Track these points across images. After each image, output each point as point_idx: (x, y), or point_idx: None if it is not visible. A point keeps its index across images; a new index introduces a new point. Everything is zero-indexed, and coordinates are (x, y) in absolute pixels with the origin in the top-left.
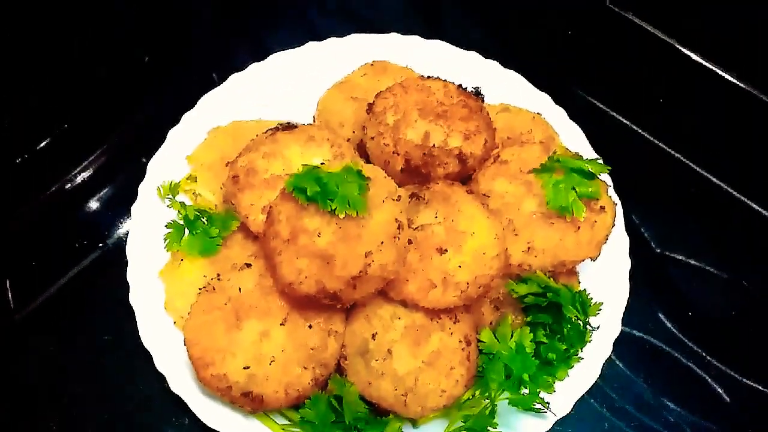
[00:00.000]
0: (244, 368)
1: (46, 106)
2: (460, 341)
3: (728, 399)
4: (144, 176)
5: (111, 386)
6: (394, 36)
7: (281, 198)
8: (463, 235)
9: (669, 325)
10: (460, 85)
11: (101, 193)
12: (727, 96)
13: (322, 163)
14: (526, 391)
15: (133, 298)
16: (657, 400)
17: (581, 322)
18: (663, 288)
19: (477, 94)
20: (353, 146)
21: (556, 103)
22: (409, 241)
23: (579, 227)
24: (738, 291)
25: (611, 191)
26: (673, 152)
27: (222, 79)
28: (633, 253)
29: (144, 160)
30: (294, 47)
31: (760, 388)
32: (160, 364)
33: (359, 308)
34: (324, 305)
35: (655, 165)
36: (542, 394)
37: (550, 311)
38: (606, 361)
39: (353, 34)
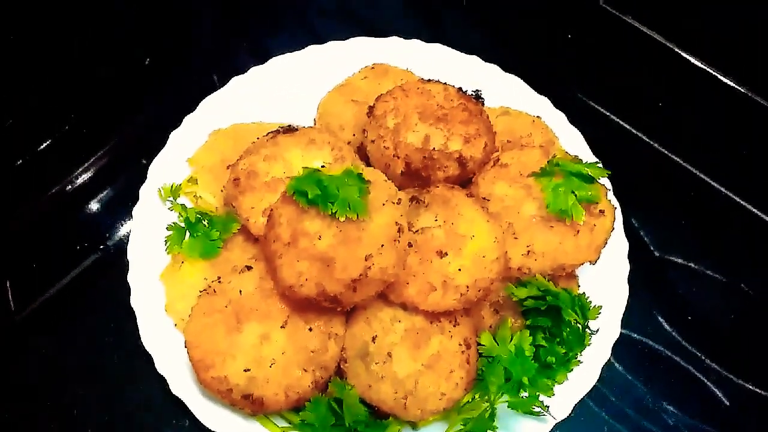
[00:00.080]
0: (245, 371)
1: (46, 107)
2: (459, 344)
3: (727, 402)
4: (144, 178)
5: (111, 388)
6: (394, 39)
7: (282, 201)
8: (463, 239)
9: (668, 328)
10: (460, 89)
11: (102, 195)
12: (726, 100)
13: (322, 166)
14: (526, 394)
15: (134, 300)
16: (656, 404)
17: (580, 326)
18: (662, 291)
19: (477, 97)
20: (354, 149)
21: (556, 107)
22: (409, 244)
23: (578, 231)
24: (737, 295)
25: (610, 195)
26: (672, 156)
27: (222, 80)
28: (632, 256)
29: (144, 161)
30: (295, 50)
31: (759, 391)
32: (161, 366)
33: (359, 311)
34: (324, 308)
35: (654, 169)
36: (541, 398)
37: (550, 315)
38: (605, 364)
39: (354, 38)
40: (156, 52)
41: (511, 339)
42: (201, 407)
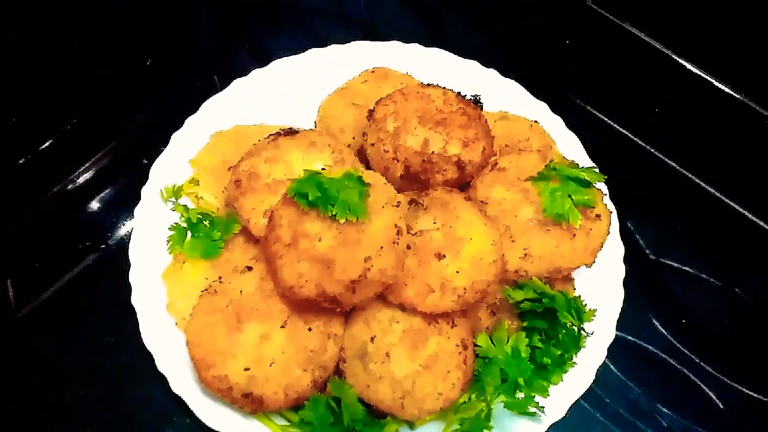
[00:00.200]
0: (245, 370)
1: (48, 107)
2: (457, 345)
3: (721, 405)
4: (146, 178)
5: (112, 386)
6: (395, 43)
7: (283, 202)
8: (461, 241)
9: (663, 331)
10: (459, 93)
11: (103, 194)
12: (722, 106)
13: (323, 169)
14: (522, 395)
15: (135, 299)
16: (650, 405)
17: (576, 328)
18: (657, 295)
19: (476, 102)
20: (354, 152)
21: (554, 112)
22: (408, 247)
23: (575, 234)
24: (731, 298)
25: (607, 199)
26: (668, 161)
27: (223, 81)
28: (628, 260)
29: (146, 161)
30: (295, 51)
31: (752, 394)
32: (162, 365)
33: (358, 312)
34: (324, 309)
35: (650, 173)
36: (537, 398)
37: (546, 317)
38: (600, 366)
39: (355, 41)
40: (157, 52)
41: (508, 340)
42: (201, 406)
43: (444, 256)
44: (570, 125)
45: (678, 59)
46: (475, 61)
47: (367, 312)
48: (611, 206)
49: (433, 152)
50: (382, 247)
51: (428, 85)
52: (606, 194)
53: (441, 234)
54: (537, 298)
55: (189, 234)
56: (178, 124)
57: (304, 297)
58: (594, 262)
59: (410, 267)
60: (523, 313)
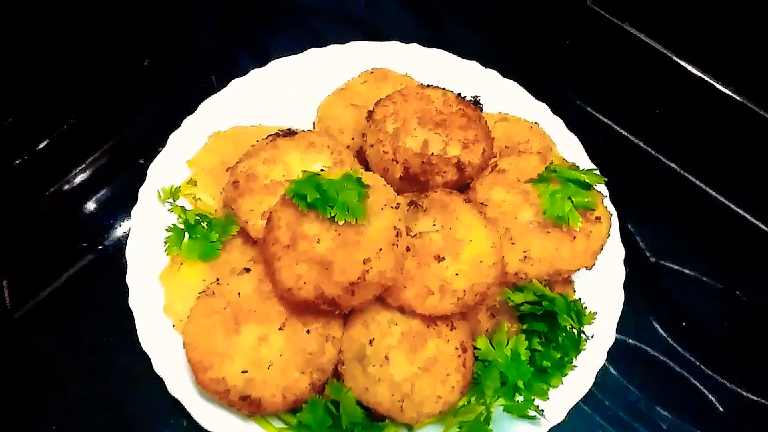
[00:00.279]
0: (243, 372)
1: (45, 107)
2: (456, 348)
3: (721, 408)
4: (143, 178)
5: (109, 388)
6: (394, 44)
7: (281, 204)
8: (461, 243)
9: (663, 334)
10: (459, 94)
11: (100, 195)
12: (722, 107)
13: (322, 170)
14: (521, 398)
15: (133, 301)
16: (650, 409)
17: (576, 331)
18: (657, 297)
19: (476, 103)
20: (353, 153)
21: (554, 113)
22: (408, 249)
23: (575, 237)
24: (732, 301)
25: (607, 201)
26: (668, 163)
27: (221, 81)
28: (628, 262)
29: (142, 161)
30: (295, 53)
31: (752, 397)
32: (159, 367)
33: (357, 314)
34: (322, 311)
35: (651, 175)
36: (537, 402)
37: (546, 320)
38: (600, 369)
39: (354, 42)
40: (155, 52)
41: (507, 343)
42: (198, 408)
43: (443, 258)
44: (570, 126)
45: (678, 61)
46: (475, 62)
47: (365, 314)
48: (611, 208)
49: (432, 154)
50: (381, 249)
51: (428, 86)
52: (606, 196)
53: (440, 236)
54: (537, 300)
55: (187, 235)
56: (176, 125)
57: (302, 299)
58: (594, 264)
59: (409, 269)
60: (522, 316)
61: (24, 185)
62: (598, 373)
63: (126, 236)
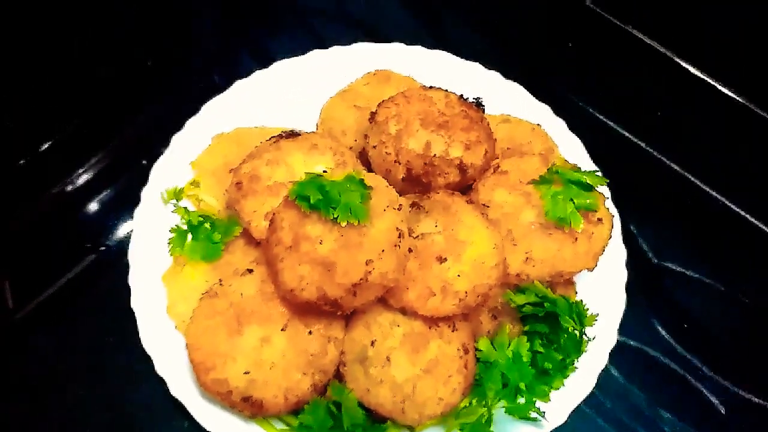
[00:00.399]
0: (245, 373)
1: (48, 108)
2: (458, 349)
3: (723, 410)
4: (146, 179)
5: (111, 389)
6: (397, 45)
7: (284, 205)
8: (463, 245)
9: (665, 335)
10: (461, 96)
11: (103, 196)
12: (725, 109)
13: (324, 171)
14: (523, 399)
15: (135, 302)
16: (652, 411)
17: (578, 332)
18: (659, 299)
19: (478, 104)
20: (355, 155)
21: (556, 115)
22: (410, 250)
23: (577, 238)
24: (734, 302)
25: (609, 203)
26: (670, 164)
27: (223, 81)
28: (630, 264)
29: (145, 162)
30: (298, 54)
31: (754, 399)
32: (161, 368)
33: (359, 315)
34: (324, 312)
35: (653, 177)
36: (538, 403)
37: (547, 321)
38: (602, 371)
39: (357, 43)
40: (157, 53)
41: (509, 345)
42: (200, 409)
43: (445, 259)
44: (572, 128)
45: (680, 62)
46: (478, 63)
47: (367, 315)
48: (613, 210)
49: (435, 155)
50: (383, 251)
51: (430, 87)
52: (608, 198)
53: (442, 237)
54: (538, 302)
55: (190, 236)
56: (178, 126)
57: (304, 300)
58: (596, 266)
59: (411, 270)
60: (524, 317)
61: (27, 186)
62: (599, 374)
63: (128, 237)
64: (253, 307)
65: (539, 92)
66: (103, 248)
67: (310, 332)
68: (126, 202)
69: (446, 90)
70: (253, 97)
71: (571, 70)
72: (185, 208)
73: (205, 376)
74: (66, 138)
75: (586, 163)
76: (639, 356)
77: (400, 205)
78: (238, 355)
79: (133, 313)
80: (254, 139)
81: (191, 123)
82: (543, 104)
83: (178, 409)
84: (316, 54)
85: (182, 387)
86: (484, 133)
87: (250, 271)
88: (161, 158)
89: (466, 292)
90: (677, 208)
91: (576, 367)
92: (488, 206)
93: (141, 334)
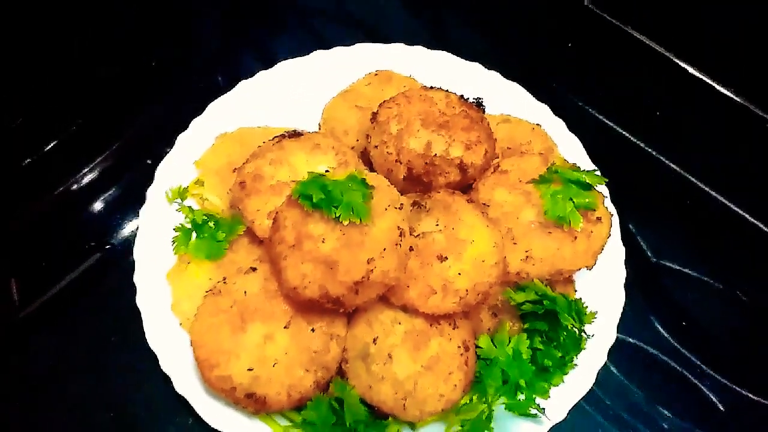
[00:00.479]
0: (248, 370)
1: (53, 108)
2: (458, 347)
3: (722, 407)
4: (150, 178)
5: (116, 385)
6: (398, 46)
7: (287, 204)
8: (463, 243)
9: (664, 333)
10: (461, 96)
11: (108, 195)
12: (723, 108)
13: (327, 171)
14: (522, 396)
15: (140, 300)
16: (651, 408)
17: (577, 330)
18: (658, 297)
19: (478, 104)
20: (357, 154)
21: (556, 114)
22: (411, 249)
23: (576, 237)
24: (732, 301)
25: (608, 202)
26: (669, 163)
27: (226, 81)
28: (629, 262)
29: (149, 161)
30: (300, 55)
31: (753, 396)
32: (166, 365)
33: (361, 313)
34: (327, 309)
35: (651, 176)
36: (538, 400)
37: (547, 319)
38: (601, 368)
39: (359, 44)
40: (162, 53)
41: (509, 342)
42: (204, 406)
43: (446, 258)
44: (571, 128)
45: (679, 62)
46: (478, 64)
47: (369, 313)
48: (612, 209)
49: (435, 155)
50: (385, 249)
51: (431, 87)
52: (607, 197)
53: (443, 236)
54: (538, 300)
55: (194, 235)
56: (182, 125)
57: (307, 298)
58: (595, 264)
59: (412, 269)
60: (524, 315)
61: (33, 185)
62: (598, 372)
63: (133, 236)
64: (256, 304)
65: (539, 92)
66: (108, 247)
67: (312, 330)
68: (131, 202)
69: (447, 90)
70: (256, 97)
71: (570, 71)
72: (190, 207)
73: (210, 373)
74: (71, 138)
75: (586, 163)
76: (638, 354)
77: (402, 204)
78: (242, 352)
79: (136, 311)
80: (257, 139)
81: (195, 123)
82: (542, 104)
83: (182, 405)
84: (318, 54)
85: (187, 384)
86: (485, 132)
87: (254, 269)
88: (166, 158)
89: (466, 290)
90: (676, 207)
91: (575, 365)
92: (488, 205)
93: (146, 332)
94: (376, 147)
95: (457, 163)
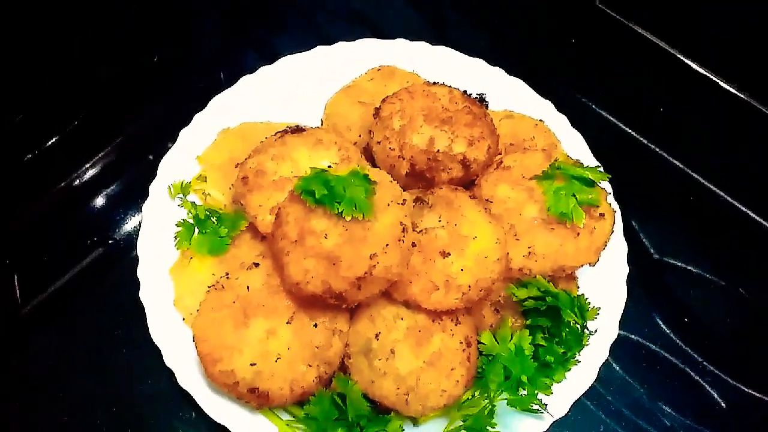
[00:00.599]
0: (251, 365)
1: (54, 103)
2: (460, 342)
3: (723, 404)
4: (153, 174)
5: (119, 380)
6: (401, 41)
7: (290, 200)
8: (466, 239)
9: (666, 330)
10: (464, 92)
11: (110, 190)
12: (727, 105)
13: (329, 166)
14: (525, 392)
15: (143, 295)
16: (653, 404)
17: (579, 326)
18: (660, 294)
19: (481, 100)
20: (360, 150)
21: (559, 111)
22: (413, 244)
23: (579, 233)
24: (734, 298)
25: (611, 198)
26: (672, 160)
27: (228, 78)
28: (631, 259)
29: (151, 157)
30: (301, 49)
31: (755, 394)
32: (169, 360)
33: (363, 308)
34: (329, 305)
35: (654, 172)
36: (540, 396)
37: (549, 315)
38: (603, 364)
39: (362, 39)
40: (164, 48)
41: (511, 338)
42: (208, 400)
43: (449, 253)
44: (574, 124)
45: (683, 59)
46: (481, 60)
47: (372, 309)
48: (615, 205)
49: (438, 150)
50: (387, 245)
51: (434, 83)
52: (610, 193)
53: (446, 232)
54: (541, 296)
55: (196, 230)
56: (184, 121)
57: (310, 293)
58: (598, 260)
59: (415, 264)
60: (526, 311)
61: (35, 181)
62: (600, 368)
63: (136, 231)
64: (259, 300)
65: (542, 88)
66: (111, 242)
67: (315, 325)
68: (134, 197)
69: (450, 86)
70: (258, 93)
71: (573, 67)
72: (192, 202)
73: (213, 368)
74: (73, 134)
75: (589, 159)
76: (640, 350)
77: (404, 200)
78: (245, 347)
79: (139, 306)
80: (260, 134)
81: (198, 118)
82: (546, 100)
83: (186, 400)
84: (321, 50)
85: (190, 378)
86: (488, 128)
87: (256, 264)
88: (169, 153)
89: (469, 286)
90: (679, 204)
91: (577, 361)
92: (491, 201)
93: (149, 327)
94: (378, 143)
95: (459, 159)
